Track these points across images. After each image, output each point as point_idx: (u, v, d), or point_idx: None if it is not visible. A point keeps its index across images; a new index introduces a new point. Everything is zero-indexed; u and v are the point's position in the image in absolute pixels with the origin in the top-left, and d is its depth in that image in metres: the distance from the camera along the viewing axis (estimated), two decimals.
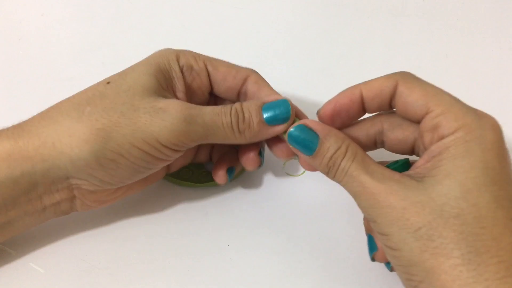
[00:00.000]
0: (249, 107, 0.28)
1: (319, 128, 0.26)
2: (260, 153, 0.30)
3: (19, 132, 0.26)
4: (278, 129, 0.28)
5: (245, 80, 0.30)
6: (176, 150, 0.27)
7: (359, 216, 0.32)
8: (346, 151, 0.25)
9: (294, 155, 0.29)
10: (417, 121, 0.26)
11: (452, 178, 0.23)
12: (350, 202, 0.33)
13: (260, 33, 0.45)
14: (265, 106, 0.28)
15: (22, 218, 0.28)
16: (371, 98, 0.26)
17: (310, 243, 0.31)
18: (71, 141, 0.26)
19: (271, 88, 0.30)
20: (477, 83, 0.41)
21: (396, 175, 0.24)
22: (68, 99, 0.28)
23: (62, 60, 0.42)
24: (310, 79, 0.41)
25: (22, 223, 0.28)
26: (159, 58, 0.29)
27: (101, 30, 0.46)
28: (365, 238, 0.31)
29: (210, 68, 0.30)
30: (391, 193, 0.23)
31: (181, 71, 0.29)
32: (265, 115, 0.28)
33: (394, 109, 0.27)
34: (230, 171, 0.31)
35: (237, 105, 0.28)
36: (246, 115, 0.28)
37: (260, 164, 0.31)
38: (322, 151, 0.26)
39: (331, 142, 0.26)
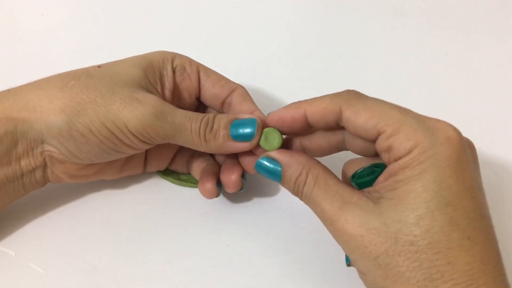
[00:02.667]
0: (220, 120, 0.29)
1: (280, 157, 0.27)
2: (243, 176, 0.31)
3: (5, 94, 0.28)
4: (242, 146, 0.29)
5: (232, 91, 0.31)
6: (143, 141, 0.28)
7: None
8: (307, 177, 0.26)
9: (239, 185, 0.31)
10: (371, 141, 0.25)
11: (406, 203, 0.23)
12: None
13: (260, 33, 0.45)
14: (234, 122, 0.29)
15: (4, 184, 0.29)
16: (315, 119, 0.27)
17: (310, 243, 0.31)
18: (50, 108, 0.27)
19: (253, 104, 0.31)
20: (477, 83, 0.41)
21: (355, 196, 0.24)
22: (60, 73, 0.29)
23: (62, 60, 0.42)
24: (310, 79, 0.41)
25: (3, 192, 0.29)
26: (155, 55, 0.31)
27: (101, 30, 0.46)
28: None
29: (201, 74, 0.32)
30: (348, 221, 0.24)
31: (173, 71, 0.31)
32: (232, 130, 0.29)
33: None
34: (219, 184, 0.31)
35: (210, 115, 0.29)
36: (215, 126, 0.29)
37: (242, 187, 0.31)
38: (286, 179, 0.27)
39: (292, 170, 0.26)
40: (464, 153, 0.23)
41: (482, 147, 0.37)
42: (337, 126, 0.27)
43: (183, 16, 0.47)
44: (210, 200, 0.33)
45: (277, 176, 0.27)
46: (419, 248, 0.22)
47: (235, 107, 0.31)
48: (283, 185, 0.27)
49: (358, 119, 0.25)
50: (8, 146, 0.28)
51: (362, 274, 0.24)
